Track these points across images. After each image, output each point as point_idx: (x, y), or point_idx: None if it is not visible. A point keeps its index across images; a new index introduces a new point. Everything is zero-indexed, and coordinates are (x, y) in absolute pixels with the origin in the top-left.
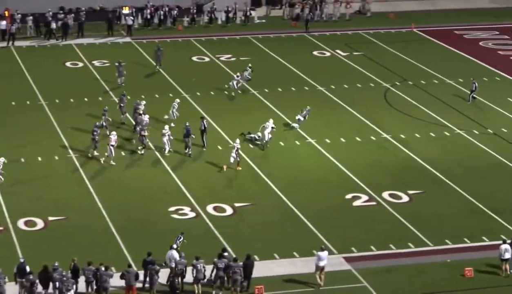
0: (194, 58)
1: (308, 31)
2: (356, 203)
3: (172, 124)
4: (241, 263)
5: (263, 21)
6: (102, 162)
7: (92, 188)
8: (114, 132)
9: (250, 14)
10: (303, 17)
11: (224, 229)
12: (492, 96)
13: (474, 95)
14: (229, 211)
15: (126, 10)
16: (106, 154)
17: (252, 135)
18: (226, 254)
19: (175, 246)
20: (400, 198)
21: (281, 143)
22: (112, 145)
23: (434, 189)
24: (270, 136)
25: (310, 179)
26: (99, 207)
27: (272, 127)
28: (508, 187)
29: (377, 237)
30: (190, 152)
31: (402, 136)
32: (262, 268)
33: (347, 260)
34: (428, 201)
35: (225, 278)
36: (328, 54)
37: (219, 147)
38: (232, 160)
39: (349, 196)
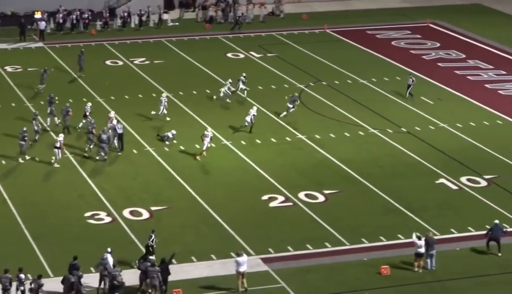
0: (108, 62)
1: (239, 31)
2: (273, 204)
3: (168, 118)
4: (158, 268)
5: (177, 24)
6: (55, 164)
7: (5, 193)
8: (62, 134)
9: (162, 16)
10: (225, 18)
11: (141, 233)
12: (404, 95)
13: (411, 92)
14: (145, 215)
15: (38, 15)
16: (53, 157)
17: (166, 134)
18: (151, 257)
19: (150, 243)
20: (316, 198)
21: (197, 146)
22: (58, 148)
23: (349, 188)
24: (253, 122)
25: (226, 181)
26: (13, 212)
27: (254, 115)
28: (423, 185)
29: (294, 238)
30: (105, 157)
31: (317, 136)
32: (180, 271)
33: (265, 261)
34: (344, 200)
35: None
36: (242, 56)
37: (134, 151)
38: (205, 147)
39: (265, 197)
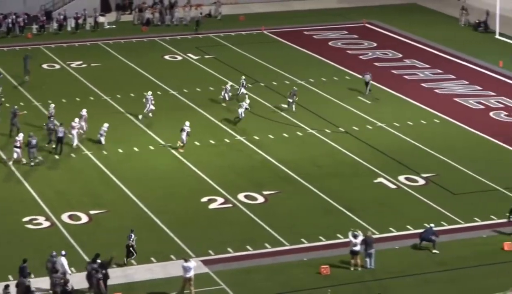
0: (45, 66)
1: (197, 32)
2: (212, 205)
3: (150, 114)
4: (99, 275)
5: (113, 26)
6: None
7: None
8: (21, 134)
9: (99, 19)
10: (162, 20)
11: (80, 237)
12: (343, 95)
13: (370, 88)
14: (84, 219)
15: None
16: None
17: (102, 131)
18: (99, 260)
19: (131, 243)
20: (255, 199)
21: (135, 149)
22: (19, 147)
23: (289, 189)
24: (243, 115)
25: (165, 183)
26: None
27: (246, 108)
28: (361, 184)
29: (234, 239)
30: (38, 160)
31: (256, 137)
32: (120, 275)
33: (205, 263)
34: (283, 201)
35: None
36: (179, 58)
37: (73, 155)
38: (184, 140)
39: (205, 199)
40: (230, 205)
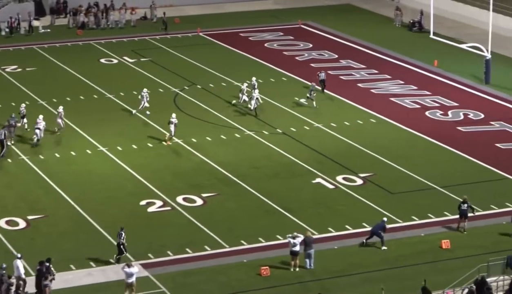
0: None
1: (167, 33)
2: (151, 209)
3: (148, 112)
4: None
5: (48, 30)
6: None
7: None
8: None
9: (33, 23)
10: (97, 23)
11: (17, 242)
12: (280, 96)
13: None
14: (22, 224)
15: None
16: None
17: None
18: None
19: (122, 241)
20: (194, 201)
21: (72, 153)
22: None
23: (227, 191)
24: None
25: (103, 187)
26: None
27: (257, 98)
28: (300, 185)
29: (173, 242)
30: None
31: (194, 140)
32: (59, 281)
33: (145, 267)
34: (222, 203)
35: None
36: (115, 61)
37: (9, 160)
38: (172, 132)
39: (143, 202)
40: (169, 208)
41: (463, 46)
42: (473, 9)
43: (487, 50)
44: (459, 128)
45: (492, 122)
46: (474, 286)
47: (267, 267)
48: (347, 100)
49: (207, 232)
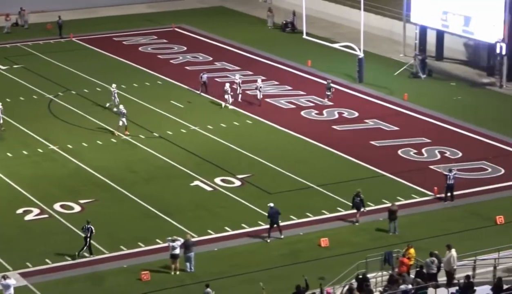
0: None
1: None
2: (28, 217)
3: (115, 109)
4: None
5: None
6: None
7: None
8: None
9: None
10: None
11: None
12: (156, 100)
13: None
14: None
15: None
16: None
17: None
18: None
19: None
20: (72, 208)
21: None
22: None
23: (105, 196)
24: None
25: None
26: None
27: (260, 86)
28: (178, 188)
29: (52, 250)
30: None
31: (70, 146)
32: None
33: (23, 276)
34: (100, 208)
35: None
36: None
37: None
38: (121, 123)
39: (20, 211)
40: (46, 216)
41: (336, 45)
42: (344, 9)
43: (360, 49)
44: (334, 127)
45: (366, 120)
46: (355, 283)
47: (147, 271)
48: (221, 101)
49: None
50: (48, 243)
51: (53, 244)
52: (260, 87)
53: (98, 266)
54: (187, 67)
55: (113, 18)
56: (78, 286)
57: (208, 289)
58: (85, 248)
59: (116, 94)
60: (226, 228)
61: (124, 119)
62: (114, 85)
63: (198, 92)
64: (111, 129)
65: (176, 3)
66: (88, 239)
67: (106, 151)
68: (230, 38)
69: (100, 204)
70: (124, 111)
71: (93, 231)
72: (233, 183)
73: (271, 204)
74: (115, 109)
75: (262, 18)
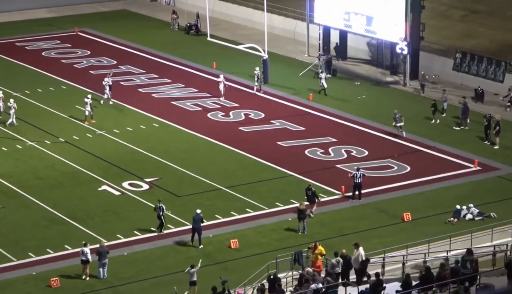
0: None
1: None
2: None
3: (101, 102)
4: None
5: None
6: None
7: None
8: None
9: None
10: None
11: None
12: (60, 105)
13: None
14: None
15: None
16: None
17: None
18: None
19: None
20: None
21: None
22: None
23: (11, 203)
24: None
25: None
26: None
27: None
28: (85, 193)
29: None
30: None
31: None
32: None
33: None
34: (6, 216)
35: None
36: None
37: None
38: (87, 113)
39: None
40: None
41: (240, 47)
42: (248, 10)
43: (264, 50)
44: (241, 128)
45: (272, 121)
46: (266, 284)
47: (57, 278)
48: (129, 105)
49: None
50: None
51: None
52: (226, 84)
53: (5, 274)
54: (91, 71)
55: (15, 24)
56: None
57: (193, 269)
58: (163, 225)
59: (108, 87)
60: (135, 232)
61: (89, 108)
62: (105, 79)
63: (105, 96)
64: (17, 136)
65: (78, 7)
66: (162, 216)
67: (11, 158)
68: (134, 41)
69: (6, 211)
70: (90, 101)
71: (164, 209)
72: (141, 186)
73: (198, 211)
74: (110, 102)
75: (166, 20)
